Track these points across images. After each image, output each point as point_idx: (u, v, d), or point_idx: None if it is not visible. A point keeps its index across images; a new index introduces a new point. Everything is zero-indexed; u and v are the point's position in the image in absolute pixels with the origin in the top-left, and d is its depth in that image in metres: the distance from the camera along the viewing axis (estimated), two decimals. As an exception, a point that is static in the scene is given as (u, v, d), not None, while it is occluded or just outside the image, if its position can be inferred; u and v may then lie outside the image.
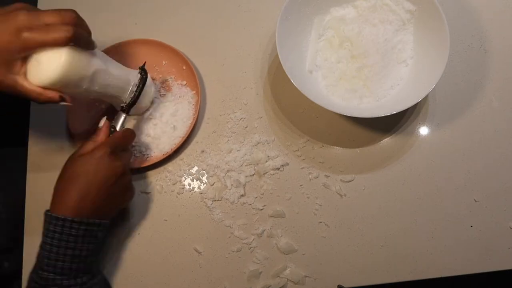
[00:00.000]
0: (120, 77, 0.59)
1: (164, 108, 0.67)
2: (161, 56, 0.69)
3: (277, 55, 0.61)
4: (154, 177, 0.65)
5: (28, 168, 0.66)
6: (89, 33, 0.54)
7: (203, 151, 0.66)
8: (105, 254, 0.62)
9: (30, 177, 0.66)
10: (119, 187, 0.56)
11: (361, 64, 0.65)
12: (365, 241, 0.61)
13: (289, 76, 0.59)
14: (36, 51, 0.49)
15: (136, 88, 0.61)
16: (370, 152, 0.65)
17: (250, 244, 0.61)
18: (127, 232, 0.63)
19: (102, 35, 0.72)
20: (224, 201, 0.63)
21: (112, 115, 0.66)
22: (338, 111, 0.58)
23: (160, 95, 0.68)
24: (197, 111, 0.65)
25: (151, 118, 0.66)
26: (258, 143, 0.66)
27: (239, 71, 0.70)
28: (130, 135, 0.60)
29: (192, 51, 0.71)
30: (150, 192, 0.65)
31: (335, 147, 0.65)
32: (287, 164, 0.65)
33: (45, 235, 0.52)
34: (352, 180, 0.64)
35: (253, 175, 0.64)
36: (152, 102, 0.67)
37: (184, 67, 0.68)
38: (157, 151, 0.64)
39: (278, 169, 0.64)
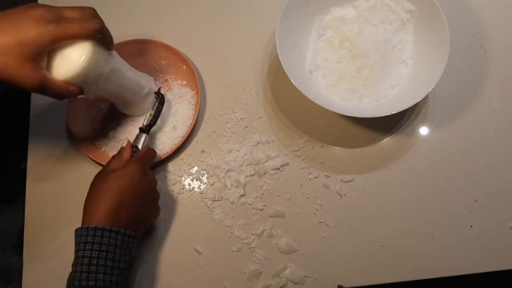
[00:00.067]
0: (133, 80, 0.60)
1: (165, 106, 0.67)
2: (161, 56, 0.69)
3: (277, 55, 0.61)
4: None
5: (28, 169, 0.66)
6: (109, 32, 0.54)
7: (203, 151, 0.66)
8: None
9: (30, 180, 0.66)
10: (151, 202, 0.58)
11: (361, 64, 0.65)
12: (365, 241, 0.61)
13: (289, 76, 0.59)
14: (61, 44, 0.49)
15: (154, 109, 0.63)
16: (370, 152, 0.65)
17: (250, 244, 0.61)
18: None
19: (102, 35, 0.72)
20: (224, 201, 0.63)
21: (112, 116, 0.66)
22: (338, 111, 0.58)
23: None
24: (197, 111, 0.65)
25: None
26: (258, 143, 0.66)
27: (239, 71, 0.70)
28: (153, 153, 0.62)
29: (192, 51, 0.71)
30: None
31: (335, 147, 0.65)
32: (287, 164, 0.65)
33: (81, 249, 0.50)
34: (352, 180, 0.64)
35: (253, 175, 0.64)
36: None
37: (184, 67, 0.68)
38: (157, 151, 0.64)
39: (278, 169, 0.64)
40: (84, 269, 0.49)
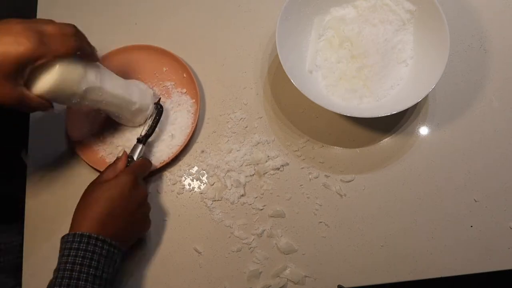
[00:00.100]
0: (118, 96, 0.59)
1: (163, 116, 0.66)
2: (161, 63, 0.69)
3: (277, 55, 0.61)
4: (154, 177, 0.65)
5: (28, 174, 0.66)
6: (90, 46, 0.54)
7: (203, 151, 0.66)
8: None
9: (30, 181, 0.66)
10: (140, 214, 0.57)
11: (361, 64, 0.65)
12: (365, 241, 0.61)
13: (289, 76, 0.59)
14: (41, 63, 0.48)
15: (152, 120, 0.63)
16: (370, 152, 0.65)
17: (250, 244, 0.61)
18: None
19: (102, 34, 0.72)
20: (224, 201, 0.63)
21: (110, 122, 0.66)
22: (338, 111, 0.58)
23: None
24: (196, 121, 0.65)
25: None
26: (258, 143, 0.66)
27: (239, 71, 0.70)
28: (148, 163, 0.61)
29: (192, 51, 0.71)
30: (150, 192, 0.65)
31: (335, 147, 0.65)
32: (287, 164, 0.65)
33: (65, 255, 0.49)
34: (352, 180, 0.64)
35: (253, 175, 0.64)
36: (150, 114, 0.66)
37: (185, 75, 0.68)
38: (154, 159, 0.64)
39: (278, 169, 0.64)
40: (66, 275, 0.48)
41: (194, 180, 0.65)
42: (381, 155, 0.65)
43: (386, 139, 0.66)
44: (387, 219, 0.62)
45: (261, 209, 0.63)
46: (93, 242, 0.50)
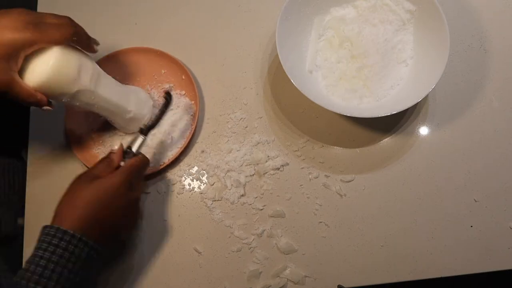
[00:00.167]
0: (109, 101, 0.57)
1: (162, 118, 0.66)
2: (160, 65, 0.69)
3: (277, 55, 0.61)
4: (154, 177, 0.65)
5: (28, 173, 0.66)
6: (88, 36, 0.54)
7: (203, 151, 0.66)
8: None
9: (29, 184, 0.66)
10: (129, 220, 0.55)
11: (361, 64, 0.65)
12: (365, 241, 0.61)
13: (289, 76, 0.59)
14: (37, 48, 0.49)
15: (159, 111, 0.60)
16: (370, 152, 0.65)
17: (250, 244, 0.61)
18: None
19: (102, 34, 0.72)
20: (224, 201, 0.63)
21: (111, 125, 0.65)
22: (338, 111, 0.58)
23: (159, 104, 0.67)
24: (195, 122, 0.64)
25: None
26: (258, 143, 0.66)
27: (239, 71, 0.70)
28: (145, 162, 0.58)
29: (192, 51, 0.71)
30: (150, 192, 0.65)
31: (335, 147, 0.65)
32: (287, 164, 0.65)
33: (43, 248, 0.46)
34: (352, 180, 0.64)
35: (253, 175, 0.64)
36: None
37: (183, 77, 0.68)
38: (154, 161, 0.64)
39: (278, 169, 0.64)
40: (37, 271, 0.45)
41: (194, 180, 0.65)
42: (381, 155, 0.65)
43: (386, 139, 0.66)
44: (387, 219, 0.62)
45: (261, 209, 0.63)
46: (75, 243, 0.47)
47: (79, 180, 0.53)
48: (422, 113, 0.67)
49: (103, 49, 0.68)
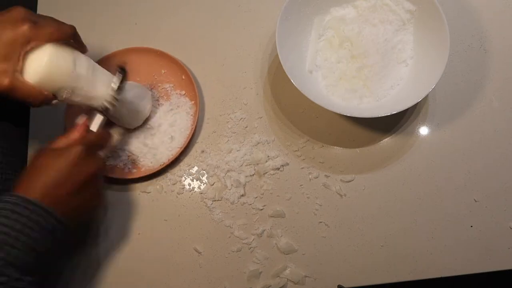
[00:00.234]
0: (88, 91, 0.56)
1: (162, 118, 0.66)
2: (160, 65, 0.69)
3: (277, 55, 0.61)
4: (154, 177, 0.65)
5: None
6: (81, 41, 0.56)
7: (203, 151, 0.66)
8: (106, 252, 0.62)
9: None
10: (90, 188, 0.53)
11: (361, 64, 0.65)
12: (365, 241, 0.61)
13: (289, 76, 0.59)
14: (35, 45, 0.49)
15: (117, 87, 0.57)
16: (370, 152, 0.65)
17: (250, 244, 0.61)
18: (126, 232, 0.63)
19: (102, 34, 0.73)
20: (224, 201, 0.63)
21: (110, 123, 0.65)
22: (338, 111, 0.58)
23: (159, 104, 0.67)
24: (195, 122, 0.64)
25: (148, 128, 0.66)
26: (258, 143, 0.66)
27: (239, 71, 0.70)
28: (106, 135, 0.58)
29: (192, 51, 0.71)
30: (150, 192, 0.65)
31: (335, 147, 0.65)
32: (287, 164, 0.65)
33: (4, 216, 0.45)
34: (352, 180, 0.64)
35: (253, 175, 0.64)
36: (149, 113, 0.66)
37: (183, 77, 0.68)
38: (154, 161, 0.64)
39: (278, 169, 0.64)
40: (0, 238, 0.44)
41: (194, 180, 0.65)
42: (381, 155, 0.65)
43: (386, 139, 0.66)
44: (387, 219, 0.62)
45: (261, 209, 0.63)
46: (38, 212, 0.46)
47: (39, 154, 0.52)
48: (422, 113, 0.67)
49: (103, 49, 0.69)
